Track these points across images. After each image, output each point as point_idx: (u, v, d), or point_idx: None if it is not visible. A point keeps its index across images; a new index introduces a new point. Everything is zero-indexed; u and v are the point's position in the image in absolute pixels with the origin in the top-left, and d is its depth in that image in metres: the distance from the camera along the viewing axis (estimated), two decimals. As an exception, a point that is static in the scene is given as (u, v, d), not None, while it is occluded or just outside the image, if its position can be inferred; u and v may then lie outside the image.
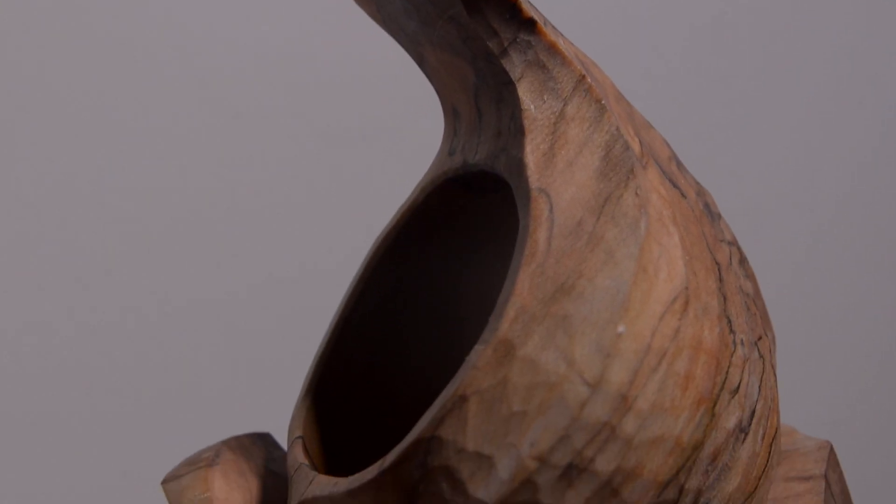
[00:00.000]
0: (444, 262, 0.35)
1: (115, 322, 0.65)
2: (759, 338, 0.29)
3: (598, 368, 0.25)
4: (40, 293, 0.64)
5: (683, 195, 0.29)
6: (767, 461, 0.29)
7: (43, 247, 0.64)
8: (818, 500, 0.30)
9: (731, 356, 0.28)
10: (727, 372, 0.27)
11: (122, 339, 0.65)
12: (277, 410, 0.47)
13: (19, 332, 0.64)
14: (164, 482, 0.31)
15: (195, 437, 0.47)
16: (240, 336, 0.67)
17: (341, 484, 0.28)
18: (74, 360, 0.65)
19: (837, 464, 0.32)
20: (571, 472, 0.25)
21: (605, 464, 0.26)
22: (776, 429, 0.30)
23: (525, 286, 0.26)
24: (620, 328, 0.25)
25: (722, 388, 0.27)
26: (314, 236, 0.68)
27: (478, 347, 0.26)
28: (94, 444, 0.65)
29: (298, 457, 0.30)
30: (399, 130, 0.69)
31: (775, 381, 0.30)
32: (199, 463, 0.31)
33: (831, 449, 0.31)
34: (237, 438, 0.33)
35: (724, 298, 0.28)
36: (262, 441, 0.33)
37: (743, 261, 0.31)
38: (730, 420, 0.27)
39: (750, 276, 0.31)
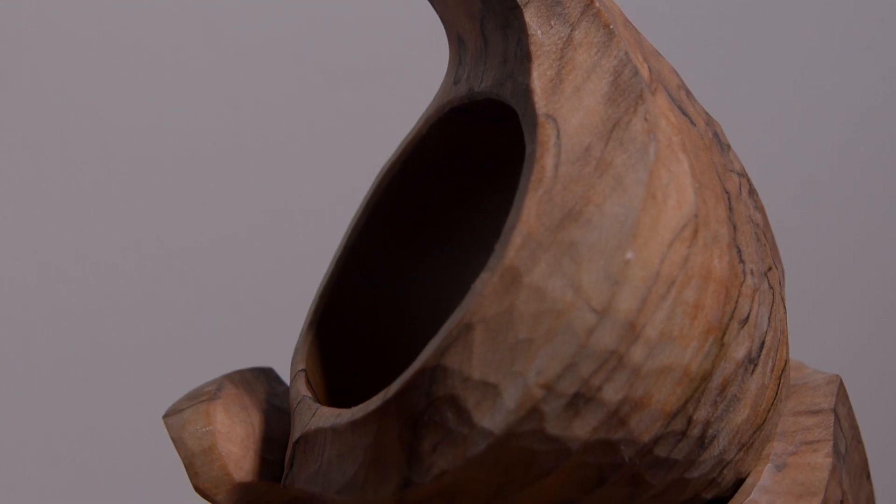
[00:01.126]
0: (449, 195, 0.35)
1: (117, 261, 0.65)
2: (769, 269, 0.29)
3: (605, 296, 0.25)
4: (39, 233, 0.64)
5: (693, 123, 0.28)
6: (776, 394, 0.29)
7: (41, 185, 0.64)
8: (827, 433, 0.30)
9: (741, 286, 0.27)
10: (737, 302, 0.27)
11: (124, 278, 0.65)
12: (280, 348, 0.47)
13: (18, 271, 0.64)
14: (166, 416, 0.31)
15: (197, 375, 0.46)
16: (242, 273, 0.66)
17: (344, 415, 0.27)
18: (75, 299, 0.64)
19: (847, 398, 0.31)
20: (578, 401, 0.25)
21: (612, 393, 0.25)
22: (785, 361, 0.29)
23: (531, 213, 0.25)
24: (628, 255, 0.25)
25: (731, 318, 0.27)
26: (317, 173, 0.68)
27: (483, 275, 0.25)
28: (96, 382, 0.65)
29: (301, 390, 0.30)
30: (402, 69, 0.68)
31: (785, 313, 0.30)
32: (201, 397, 0.31)
33: (840, 383, 0.31)
34: (240, 373, 0.32)
35: (734, 228, 0.27)
36: (265, 375, 0.33)
37: (752, 192, 0.31)
38: (739, 350, 0.27)
39: (759, 209, 0.31)
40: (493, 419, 0.25)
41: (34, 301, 0.64)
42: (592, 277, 0.25)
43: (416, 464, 0.26)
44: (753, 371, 0.28)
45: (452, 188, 0.34)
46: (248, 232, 0.67)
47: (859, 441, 0.31)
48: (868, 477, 0.31)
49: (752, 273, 0.28)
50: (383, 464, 0.26)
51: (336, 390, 0.32)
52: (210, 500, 0.30)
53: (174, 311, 0.66)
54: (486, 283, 0.25)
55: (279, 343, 0.49)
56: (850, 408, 0.31)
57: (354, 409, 0.27)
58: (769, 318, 0.28)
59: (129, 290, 0.65)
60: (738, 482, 0.29)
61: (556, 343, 0.25)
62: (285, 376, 0.47)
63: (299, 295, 0.52)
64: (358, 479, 0.27)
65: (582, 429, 0.25)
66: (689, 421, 0.26)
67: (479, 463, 0.25)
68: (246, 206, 0.67)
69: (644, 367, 0.25)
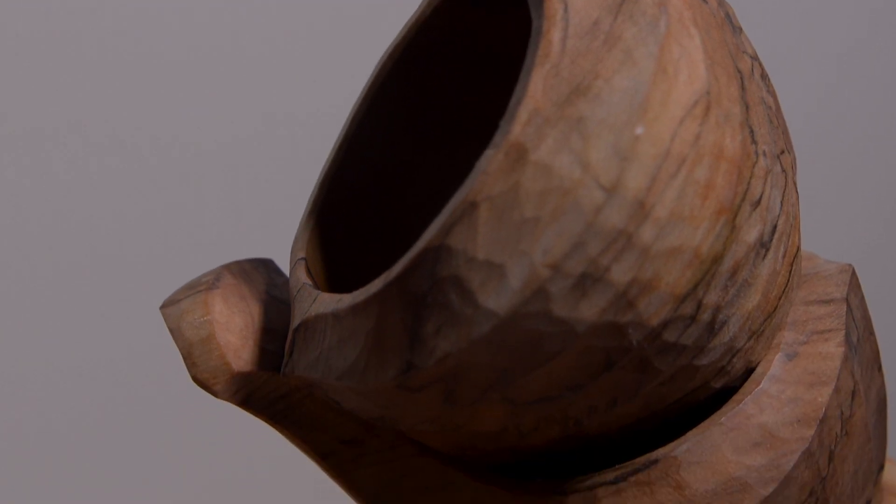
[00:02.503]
0: (452, 81, 0.34)
1: (116, 164, 0.64)
2: (782, 152, 0.28)
3: (614, 172, 0.24)
4: (37, 137, 0.63)
5: (704, 0, 0.27)
6: (788, 281, 0.28)
7: (39, 93, 0.63)
8: (839, 323, 0.29)
9: (753, 167, 0.26)
10: (749, 182, 0.26)
11: (121, 179, 0.64)
12: (278, 244, 0.46)
13: (16, 177, 0.63)
14: (163, 307, 0.30)
15: (195, 270, 0.46)
16: (241, 175, 0.66)
17: (345, 300, 0.26)
18: (74, 201, 0.64)
19: (859, 287, 0.31)
20: (585, 282, 0.24)
21: (620, 274, 0.24)
22: (797, 248, 0.29)
23: (538, 88, 0.24)
24: (638, 130, 0.24)
25: (743, 200, 0.26)
26: (320, 69, 0.67)
27: (488, 152, 0.24)
28: (93, 278, 0.64)
29: (301, 277, 0.29)
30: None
31: (797, 199, 0.29)
32: (199, 287, 0.30)
33: (853, 272, 0.30)
34: (238, 263, 0.32)
35: (747, 107, 0.27)
36: (264, 267, 0.32)
37: (765, 77, 0.30)
38: (750, 233, 0.26)
39: (771, 93, 0.30)
40: (497, 300, 0.24)
41: (29, 206, 0.64)
42: (601, 154, 0.24)
43: (418, 347, 0.25)
44: (765, 256, 0.27)
45: (456, 74, 0.34)
46: (250, 133, 0.66)
47: (871, 332, 0.31)
48: (879, 369, 0.31)
49: (764, 154, 0.27)
50: (385, 348, 0.26)
51: (336, 281, 0.32)
52: (208, 390, 0.29)
53: (172, 206, 0.65)
54: (490, 161, 0.24)
55: (278, 239, 0.48)
56: (862, 298, 0.31)
57: (355, 292, 0.26)
58: (781, 202, 0.28)
59: (127, 191, 0.65)
60: (748, 372, 0.29)
61: (564, 221, 0.24)
62: (285, 269, 0.46)
63: (299, 188, 0.51)
64: (359, 364, 0.26)
65: (589, 310, 0.24)
66: (699, 305, 0.26)
67: (483, 345, 0.25)
68: (246, 100, 0.66)
69: (653, 247, 0.25)
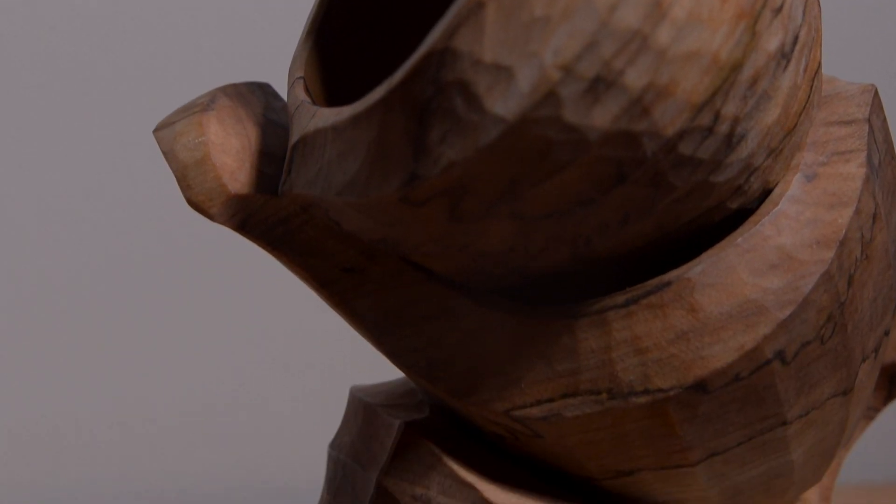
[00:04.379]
0: None
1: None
2: (804, -40, 0.27)
3: None
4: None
5: None
6: (808, 97, 0.27)
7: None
8: (861, 143, 0.28)
9: (775, -30, 0.25)
10: (770, -13, 0.25)
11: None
12: (276, 71, 0.45)
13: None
14: (156, 130, 0.29)
15: (189, 95, 0.45)
16: None
17: (345, 111, 0.25)
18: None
19: (881, 109, 0.29)
20: (598, 86, 0.23)
21: (635, 78, 0.23)
22: (818, 63, 0.27)
23: None
24: (656, -78, 0.23)
25: (764, 6, 0.25)
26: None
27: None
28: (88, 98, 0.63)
29: (300, 95, 0.28)
30: None
31: (819, 12, 0.28)
32: (193, 109, 0.29)
33: (875, 93, 0.29)
34: (234, 86, 0.30)
35: None
36: (261, 90, 0.31)
37: None
38: (771, 42, 0.25)
39: None
40: (506, 104, 0.23)
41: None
42: (616, -52, 0.23)
43: (422, 156, 0.24)
44: (786, 67, 0.26)
45: None
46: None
47: (893, 157, 0.30)
48: (900, 195, 0.29)
49: (787, -41, 0.25)
50: (388, 159, 0.24)
51: (336, 102, 0.30)
52: (204, 213, 0.28)
53: (167, 24, 0.63)
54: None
55: (275, 66, 0.47)
56: (884, 120, 0.29)
57: (356, 103, 0.25)
58: (804, 12, 0.26)
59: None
60: (766, 193, 0.28)
61: (576, 20, 0.23)
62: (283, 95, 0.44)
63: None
64: (360, 176, 0.25)
65: (602, 117, 0.23)
66: (717, 116, 0.24)
67: (490, 153, 0.23)
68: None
69: (670, 50, 0.23)
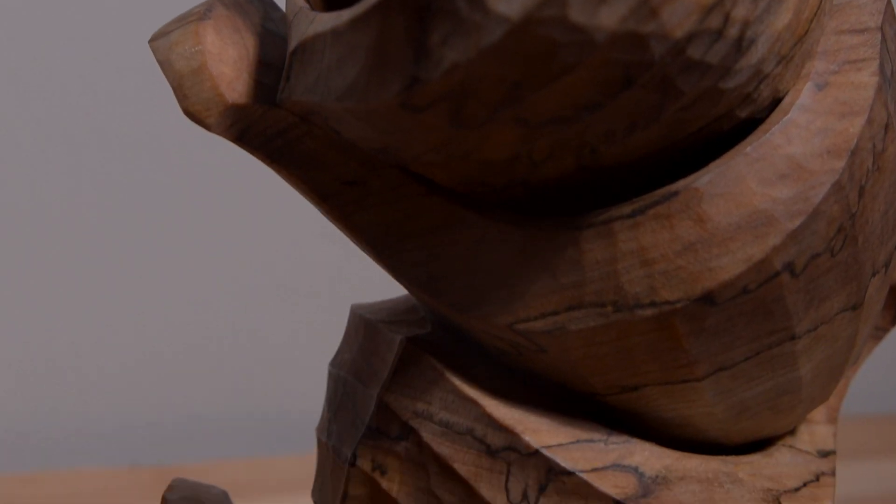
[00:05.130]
0: None
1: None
2: None
3: None
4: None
5: None
6: (820, 3, 0.26)
7: None
8: (873, 52, 0.27)
9: None
10: None
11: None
12: None
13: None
14: (152, 40, 0.28)
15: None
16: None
17: (344, 14, 0.25)
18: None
19: (894, 18, 0.29)
20: None
21: None
22: (831, -33, 0.27)
23: None
24: None
25: None
26: None
27: None
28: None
29: (298, 1, 0.27)
30: None
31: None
32: (189, 18, 0.28)
33: (888, 1, 0.28)
34: (231, -5, 0.30)
35: None
36: (260, 1, 0.30)
37: None
38: (783, -57, 0.24)
39: None
40: (510, 4, 0.22)
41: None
42: None
43: (423, 59, 0.23)
44: (798, -30, 0.25)
45: None
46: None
47: (905, 67, 0.29)
48: (912, 107, 0.29)
49: None
50: (388, 62, 0.24)
51: (335, 7, 0.30)
52: (201, 124, 0.27)
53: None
54: None
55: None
56: (897, 29, 0.29)
57: (355, 6, 0.24)
58: None
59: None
60: (775, 103, 0.27)
61: (582, -85, 0.22)
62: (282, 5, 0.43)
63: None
64: (360, 81, 0.24)
65: (609, 18, 0.23)
66: (726, 18, 0.24)
67: (493, 54, 0.23)
68: None
69: (679, -52, 0.23)
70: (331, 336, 0.53)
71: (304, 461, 0.54)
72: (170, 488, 0.31)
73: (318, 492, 0.30)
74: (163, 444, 0.64)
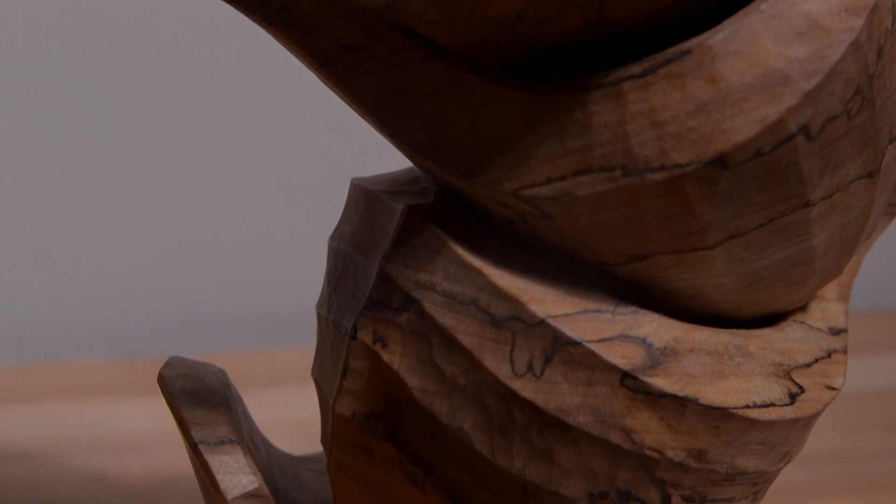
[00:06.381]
0: None
1: None
2: None
3: None
4: None
5: None
6: None
7: None
8: None
9: None
10: None
11: None
12: None
13: None
14: None
15: None
16: None
17: None
18: None
19: None
20: None
21: None
22: None
23: None
24: None
25: None
26: None
27: None
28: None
29: None
30: None
31: None
32: None
33: None
34: None
35: None
36: None
37: None
38: None
39: None
40: None
41: None
42: None
43: None
44: None
45: None
46: None
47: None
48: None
49: None
50: None
51: None
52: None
53: None
54: None
55: None
56: None
57: None
58: None
59: None
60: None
61: None
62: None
63: None
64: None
65: None
66: None
67: None
68: None
69: None
70: (332, 230, 0.53)
71: (307, 351, 0.54)
72: (166, 366, 0.30)
73: (319, 368, 0.30)
74: (164, 338, 0.64)
